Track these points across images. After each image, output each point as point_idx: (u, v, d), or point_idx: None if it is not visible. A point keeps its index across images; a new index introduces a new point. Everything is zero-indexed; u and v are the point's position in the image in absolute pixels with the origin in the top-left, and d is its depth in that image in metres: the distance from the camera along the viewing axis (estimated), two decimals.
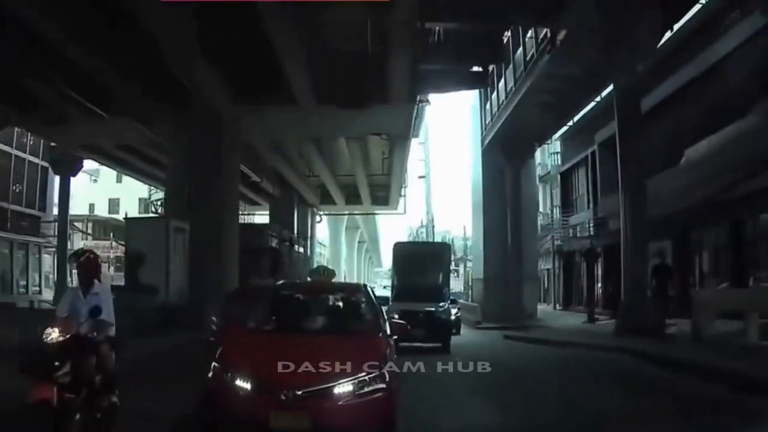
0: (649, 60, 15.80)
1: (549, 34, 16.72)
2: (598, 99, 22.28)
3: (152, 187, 43.00)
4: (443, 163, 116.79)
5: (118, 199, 57.69)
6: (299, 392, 4.83)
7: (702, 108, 17.36)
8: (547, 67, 18.73)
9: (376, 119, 19.66)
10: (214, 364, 5.39)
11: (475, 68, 20.92)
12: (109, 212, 56.04)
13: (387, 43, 13.81)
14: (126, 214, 27.47)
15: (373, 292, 7.27)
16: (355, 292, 7.47)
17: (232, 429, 5.10)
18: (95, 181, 56.90)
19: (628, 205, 14.38)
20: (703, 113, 17.24)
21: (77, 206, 43.30)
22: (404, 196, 39.39)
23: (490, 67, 21.13)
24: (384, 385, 5.05)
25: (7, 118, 23.80)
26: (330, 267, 9.98)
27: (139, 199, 54.36)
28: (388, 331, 6.22)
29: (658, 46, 15.24)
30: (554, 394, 8.06)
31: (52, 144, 29.85)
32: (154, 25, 13.85)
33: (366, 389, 4.98)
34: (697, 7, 15.50)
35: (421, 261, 20.20)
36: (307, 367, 5.06)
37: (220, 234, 18.02)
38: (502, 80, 24.11)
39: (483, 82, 22.13)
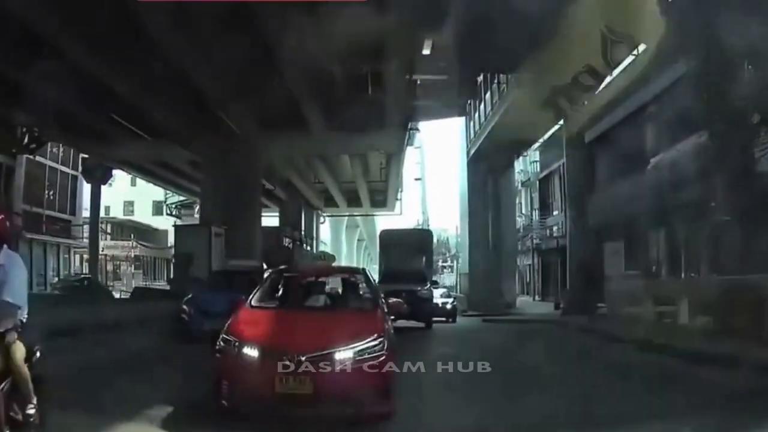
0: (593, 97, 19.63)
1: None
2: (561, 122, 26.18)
3: (168, 192, 46.89)
4: (440, 164, 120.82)
5: (133, 202, 61.33)
6: (302, 358, 5.05)
7: (647, 133, 21.30)
8: (515, 96, 22.68)
9: (375, 140, 23.68)
10: (222, 335, 5.61)
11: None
12: (124, 214, 59.59)
13: (384, 91, 17.75)
14: (175, 223, 31.14)
15: (371, 274, 7.97)
16: (354, 274, 8.02)
17: (240, 394, 5.23)
18: (110, 185, 60.17)
19: (571, 217, 18.36)
20: (648, 138, 21.20)
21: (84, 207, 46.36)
22: (400, 199, 43.31)
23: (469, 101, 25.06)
24: (383, 353, 5.34)
25: (63, 140, 27.84)
26: (330, 252, 11.35)
27: (153, 202, 58.07)
28: (385, 309, 6.67)
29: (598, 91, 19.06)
30: (492, 343, 12.53)
31: (84, 156, 33.56)
32: (201, 79, 17.70)
33: (365, 356, 5.25)
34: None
35: (406, 246, 21.68)
36: (309, 335, 5.46)
37: (248, 237, 21.96)
38: (482, 104, 28.09)
39: (464, 112, 26.07)
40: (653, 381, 7.80)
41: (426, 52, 17.27)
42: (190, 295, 12.25)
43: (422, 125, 37.24)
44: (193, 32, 15.12)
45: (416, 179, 52.43)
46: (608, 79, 18.43)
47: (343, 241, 63.92)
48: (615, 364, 9.61)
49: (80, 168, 36.56)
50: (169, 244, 56.29)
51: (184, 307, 11.41)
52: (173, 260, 23.27)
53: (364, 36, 15.41)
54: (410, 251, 21.39)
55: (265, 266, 13.27)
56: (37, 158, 35.35)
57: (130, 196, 59.84)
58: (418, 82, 20.80)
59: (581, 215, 18.35)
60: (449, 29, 15.92)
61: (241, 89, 18.76)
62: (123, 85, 18.31)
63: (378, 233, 67.78)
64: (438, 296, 20.88)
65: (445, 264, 65.59)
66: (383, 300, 6.89)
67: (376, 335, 5.46)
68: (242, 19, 14.30)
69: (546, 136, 29.54)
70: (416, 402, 6.04)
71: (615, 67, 18.00)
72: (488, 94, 26.99)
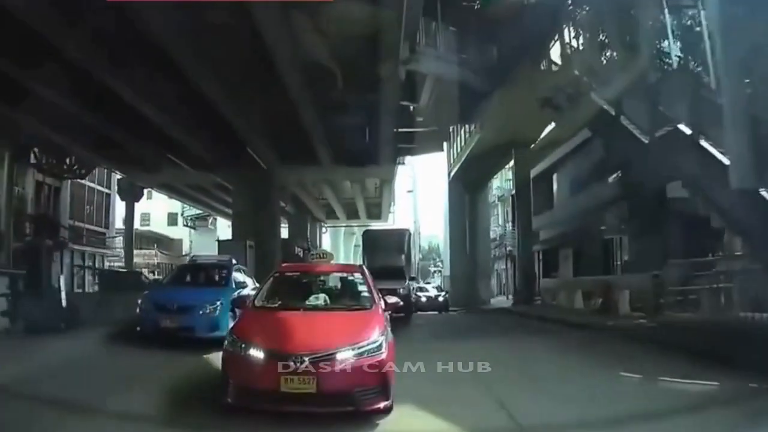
0: (538, 141, 25.73)
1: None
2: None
3: (185, 205, 52.29)
4: (430, 177, 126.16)
5: (149, 214, 66.38)
6: (306, 360, 5.34)
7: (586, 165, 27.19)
8: (481, 135, 28.65)
9: (370, 171, 29.59)
10: (228, 336, 5.92)
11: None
12: (141, 224, 64.50)
13: (378, 138, 23.68)
14: (218, 238, 36.51)
15: (368, 272, 7.93)
16: (352, 271, 8.15)
17: (246, 394, 5.49)
18: None
19: (519, 232, 24.32)
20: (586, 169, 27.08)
21: (116, 221, 50.89)
22: (393, 211, 49.06)
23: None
24: (382, 352, 5.61)
25: (113, 167, 33.48)
26: (329, 251, 9.67)
27: (168, 214, 63.39)
28: (383, 306, 6.79)
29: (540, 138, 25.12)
30: (454, 321, 18.56)
31: (119, 176, 38.99)
32: (234, 121, 22.98)
33: (365, 356, 5.53)
34: None
35: (386, 245, 22.74)
36: (312, 336, 5.71)
37: (271, 248, 27.61)
38: (458, 137, 34.14)
39: (442, 148, 32.24)
40: (518, 328, 15.42)
41: (411, 110, 23.26)
42: (146, 291, 11.58)
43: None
44: (229, 82, 19.07)
45: (408, 191, 57.09)
46: (545, 132, 24.57)
47: (341, 247, 69.47)
48: (512, 324, 17.07)
49: (114, 187, 42.19)
50: (183, 252, 61.84)
51: (140, 302, 10.45)
52: None
53: (364, 98, 20.99)
54: (390, 249, 22.27)
55: (235, 261, 12.75)
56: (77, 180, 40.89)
57: (146, 208, 64.86)
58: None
59: (526, 232, 24.39)
60: (426, 98, 21.93)
61: (266, 130, 24.01)
62: (169, 125, 22.18)
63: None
64: (432, 289, 26.11)
65: (435, 269, 71.04)
66: (380, 297, 7.05)
67: (375, 335, 5.78)
68: (270, 75, 18.36)
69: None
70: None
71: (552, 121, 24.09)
72: (462, 131, 33.06)
